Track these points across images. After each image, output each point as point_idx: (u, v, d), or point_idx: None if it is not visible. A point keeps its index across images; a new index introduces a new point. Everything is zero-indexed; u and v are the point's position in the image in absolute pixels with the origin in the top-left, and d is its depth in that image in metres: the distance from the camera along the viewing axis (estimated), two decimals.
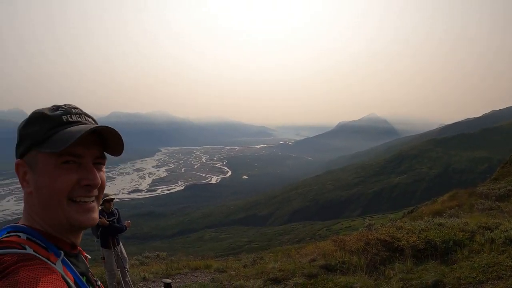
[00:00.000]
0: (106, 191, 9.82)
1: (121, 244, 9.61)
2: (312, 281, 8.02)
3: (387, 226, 11.73)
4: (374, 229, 11.58)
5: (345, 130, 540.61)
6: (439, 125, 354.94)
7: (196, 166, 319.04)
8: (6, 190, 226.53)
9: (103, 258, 9.26)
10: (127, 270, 9.53)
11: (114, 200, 9.71)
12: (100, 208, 9.38)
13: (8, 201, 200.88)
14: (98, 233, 9.26)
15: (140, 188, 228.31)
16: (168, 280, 1.61)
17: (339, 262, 8.85)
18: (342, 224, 57.90)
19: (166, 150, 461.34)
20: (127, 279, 9.38)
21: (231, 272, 11.02)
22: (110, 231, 9.20)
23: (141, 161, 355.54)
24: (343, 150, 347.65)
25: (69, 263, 1.43)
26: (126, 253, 9.87)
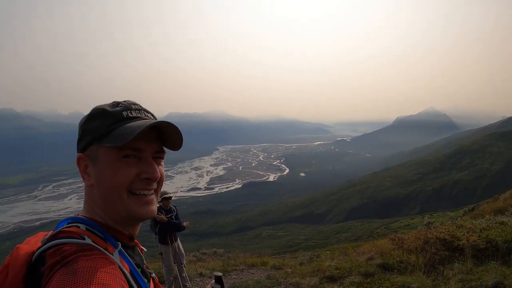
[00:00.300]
0: (165, 188, 9.97)
1: (178, 240, 9.82)
2: (368, 280, 7.85)
3: (446, 224, 11.36)
4: (433, 228, 11.25)
5: (403, 125, 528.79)
6: (501, 117, 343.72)
7: (253, 164, 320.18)
8: (69, 189, 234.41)
9: (161, 254, 9.49)
10: (184, 266, 9.72)
11: (172, 198, 9.87)
12: (158, 205, 9.65)
13: (70, 199, 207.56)
14: (157, 230, 9.46)
15: (198, 186, 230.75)
16: (219, 274, 1.62)
17: (396, 261, 8.64)
18: (400, 222, 56.73)
19: (224, 149, 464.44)
20: (184, 275, 9.57)
21: (287, 270, 10.96)
22: (168, 228, 9.37)
23: (199, 159, 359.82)
24: (401, 146, 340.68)
25: (126, 254, 1.47)
26: (184, 249, 10.05)
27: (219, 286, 1.66)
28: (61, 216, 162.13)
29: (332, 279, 8.57)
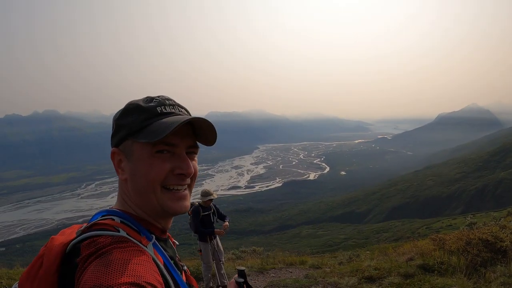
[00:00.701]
0: (206, 187, 10.01)
1: (217, 238, 9.92)
2: (408, 281, 7.72)
3: (489, 225, 11.14)
4: (476, 228, 10.97)
5: (445, 122, 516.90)
6: None
7: (294, 163, 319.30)
8: (111, 188, 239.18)
9: (200, 251, 9.67)
10: (223, 263, 9.85)
11: (213, 199, 9.84)
12: (197, 203, 9.64)
13: (112, 197, 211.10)
14: (195, 230, 9.57)
15: (239, 185, 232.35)
16: (242, 268, 1.62)
17: (437, 262, 8.46)
18: (442, 223, 55.62)
19: (264, 147, 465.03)
20: (222, 272, 9.72)
21: (326, 269, 10.86)
22: (200, 233, 9.49)
23: (240, 158, 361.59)
24: (443, 144, 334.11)
25: (159, 246, 1.49)
26: (223, 247, 10.14)
27: (242, 280, 1.67)
28: None
29: (371, 279, 8.45)
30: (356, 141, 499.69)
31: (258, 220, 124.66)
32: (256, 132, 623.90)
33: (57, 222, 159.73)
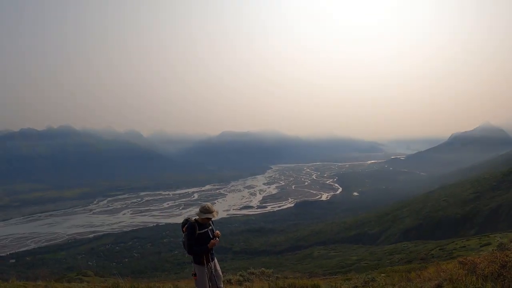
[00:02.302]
0: (218, 207, 8.93)
1: (215, 260, 8.87)
2: None
3: None
4: (508, 249, 9.91)
5: (459, 142, 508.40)
6: None
7: (306, 183, 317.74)
8: (123, 204, 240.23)
9: (195, 275, 8.52)
10: None
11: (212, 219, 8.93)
12: (194, 219, 8.75)
13: (124, 214, 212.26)
14: (189, 250, 8.58)
15: (251, 204, 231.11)
16: None
17: None
18: (456, 244, 54.11)
19: (277, 168, 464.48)
20: None
21: None
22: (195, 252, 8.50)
23: (252, 178, 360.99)
24: (457, 164, 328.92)
25: None
26: (221, 271, 9.12)
27: None
28: (114, 230, 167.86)
29: None
30: (369, 162, 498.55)
31: (269, 240, 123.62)
32: (269, 152, 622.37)
33: (68, 236, 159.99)
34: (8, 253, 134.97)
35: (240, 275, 15.31)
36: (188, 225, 8.55)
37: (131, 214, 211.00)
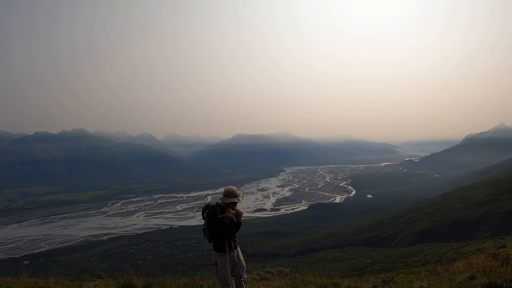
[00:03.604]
0: (234, 186, 8.38)
1: (238, 249, 8.29)
2: None
3: None
4: None
5: (473, 144, 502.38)
6: None
7: (320, 186, 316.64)
8: (137, 207, 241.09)
9: (216, 264, 7.86)
10: (244, 281, 8.00)
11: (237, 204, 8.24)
12: (215, 203, 8.28)
13: (138, 216, 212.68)
14: (211, 235, 7.98)
15: (264, 207, 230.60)
16: None
17: (505, 280, 7.01)
18: (471, 247, 53.21)
19: (290, 170, 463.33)
20: None
21: None
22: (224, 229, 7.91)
23: (266, 181, 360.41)
24: (471, 166, 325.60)
25: None
26: (245, 261, 8.42)
27: None
28: (128, 232, 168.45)
29: None
30: (383, 164, 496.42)
31: (283, 243, 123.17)
32: (282, 154, 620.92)
33: (82, 238, 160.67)
34: (22, 254, 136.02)
35: (257, 273, 14.90)
36: (210, 209, 7.98)
37: (144, 216, 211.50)
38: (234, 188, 8.14)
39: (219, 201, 8.16)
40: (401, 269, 35.66)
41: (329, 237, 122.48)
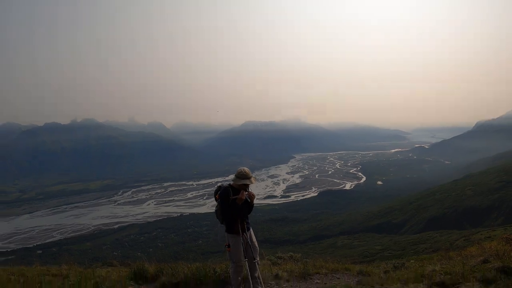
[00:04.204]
0: (246, 168, 8.33)
1: (251, 230, 8.24)
2: (492, 286, 6.16)
3: None
4: None
5: (484, 130, 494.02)
6: None
7: (330, 172, 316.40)
8: (147, 195, 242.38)
9: (228, 246, 7.87)
10: (257, 263, 8.04)
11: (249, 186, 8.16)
12: (228, 184, 8.29)
13: (148, 204, 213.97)
14: (223, 217, 7.97)
15: (275, 194, 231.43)
16: None
17: None
18: (481, 234, 52.79)
19: (300, 157, 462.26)
20: (256, 274, 7.89)
21: (381, 275, 9.35)
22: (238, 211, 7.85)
23: (276, 167, 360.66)
24: (482, 152, 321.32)
25: None
26: (257, 243, 8.35)
27: None
28: (139, 221, 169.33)
29: (443, 286, 6.88)
30: (393, 150, 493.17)
31: (293, 229, 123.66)
32: (292, 141, 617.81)
33: (94, 227, 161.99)
34: (35, 244, 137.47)
35: (268, 259, 14.81)
36: (222, 190, 7.92)
37: (155, 204, 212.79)
38: (246, 169, 8.10)
39: (232, 183, 8.12)
40: (411, 255, 35.58)
41: (339, 225, 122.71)
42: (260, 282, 7.91)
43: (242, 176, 7.91)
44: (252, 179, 8.12)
